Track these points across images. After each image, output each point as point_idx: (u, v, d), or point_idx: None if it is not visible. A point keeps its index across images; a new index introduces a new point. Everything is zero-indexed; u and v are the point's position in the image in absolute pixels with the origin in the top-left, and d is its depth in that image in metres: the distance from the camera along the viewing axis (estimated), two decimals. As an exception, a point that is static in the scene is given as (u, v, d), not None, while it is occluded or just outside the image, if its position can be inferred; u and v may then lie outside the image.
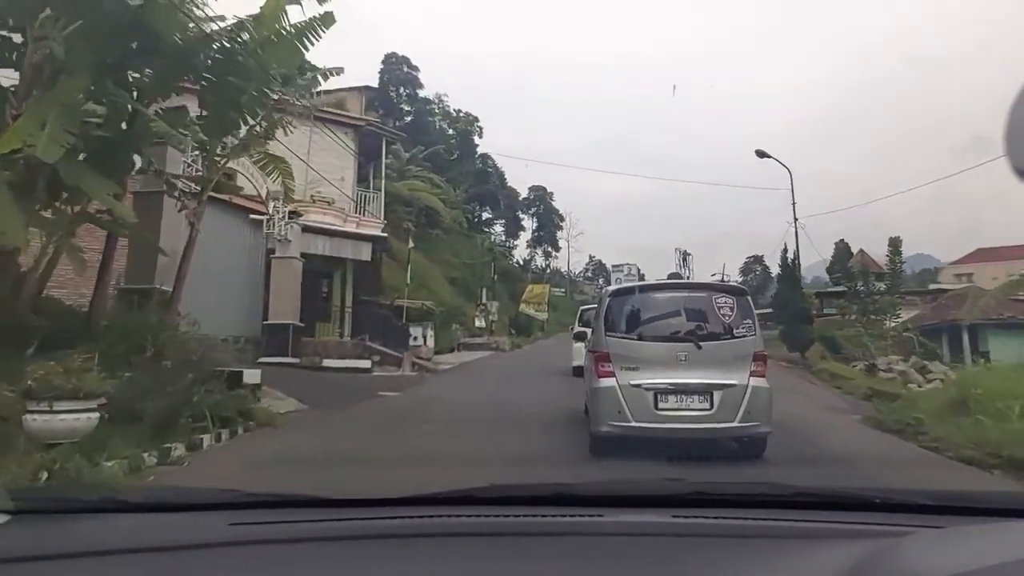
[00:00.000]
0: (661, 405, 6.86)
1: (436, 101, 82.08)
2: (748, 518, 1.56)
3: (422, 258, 45.58)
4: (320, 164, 20.92)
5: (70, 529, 1.48)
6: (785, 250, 25.34)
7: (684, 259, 66.55)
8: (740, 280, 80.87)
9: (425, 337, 30.02)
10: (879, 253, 28.49)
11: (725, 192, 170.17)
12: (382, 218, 21.64)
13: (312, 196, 20.28)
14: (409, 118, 77.36)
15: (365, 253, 19.23)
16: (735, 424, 6.82)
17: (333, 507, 1.64)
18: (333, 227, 19.19)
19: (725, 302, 7.23)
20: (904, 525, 1.47)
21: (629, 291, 7.95)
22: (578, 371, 12.08)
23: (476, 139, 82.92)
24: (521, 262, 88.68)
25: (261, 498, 1.68)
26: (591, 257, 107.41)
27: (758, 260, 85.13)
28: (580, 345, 12.29)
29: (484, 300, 41.25)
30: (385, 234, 20.28)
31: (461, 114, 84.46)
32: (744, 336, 7.11)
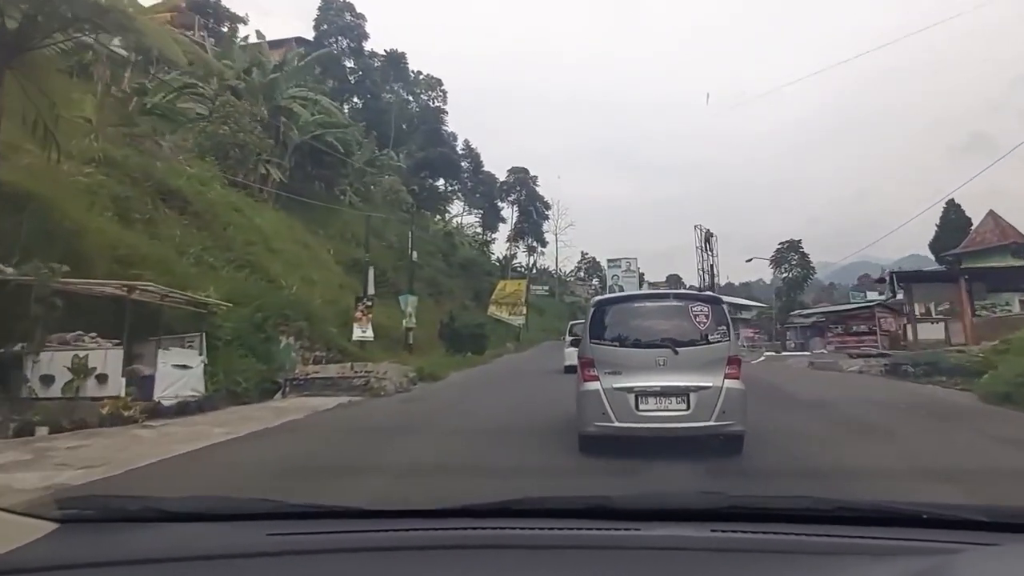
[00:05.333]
0: (642, 407, 7.38)
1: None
2: (789, 533, 1.51)
3: (298, 225, 27.56)
4: None
5: (114, 538, 1.52)
6: None
7: (707, 240, 49.20)
8: (775, 272, 66.27)
9: (135, 379, 11.86)
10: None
11: (723, 189, 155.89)
12: None
13: None
14: (354, 78, 62.10)
15: None
16: (711, 423, 7.27)
17: (371, 518, 1.67)
18: None
19: (700, 310, 7.72)
20: (956, 542, 1.41)
21: (612, 302, 8.72)
22: (571, 369, 12.79)
23: (440, 106, 68.07)
24: (501, 259, 72.43)
25: (299, 509, 1.72)
26: (583, 254, 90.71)
27: (793, 246, 68.09)
28: (574, 351, 12.33)
29: (371, 292, 22.42)
30: None
31: (422, 77, 68.71)
32: (719, 341, 7.61)
